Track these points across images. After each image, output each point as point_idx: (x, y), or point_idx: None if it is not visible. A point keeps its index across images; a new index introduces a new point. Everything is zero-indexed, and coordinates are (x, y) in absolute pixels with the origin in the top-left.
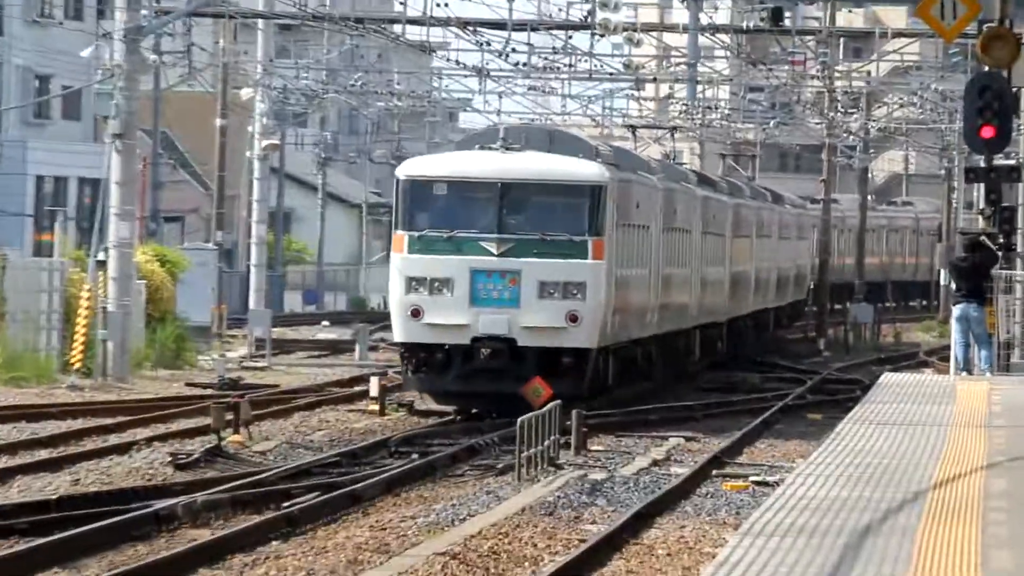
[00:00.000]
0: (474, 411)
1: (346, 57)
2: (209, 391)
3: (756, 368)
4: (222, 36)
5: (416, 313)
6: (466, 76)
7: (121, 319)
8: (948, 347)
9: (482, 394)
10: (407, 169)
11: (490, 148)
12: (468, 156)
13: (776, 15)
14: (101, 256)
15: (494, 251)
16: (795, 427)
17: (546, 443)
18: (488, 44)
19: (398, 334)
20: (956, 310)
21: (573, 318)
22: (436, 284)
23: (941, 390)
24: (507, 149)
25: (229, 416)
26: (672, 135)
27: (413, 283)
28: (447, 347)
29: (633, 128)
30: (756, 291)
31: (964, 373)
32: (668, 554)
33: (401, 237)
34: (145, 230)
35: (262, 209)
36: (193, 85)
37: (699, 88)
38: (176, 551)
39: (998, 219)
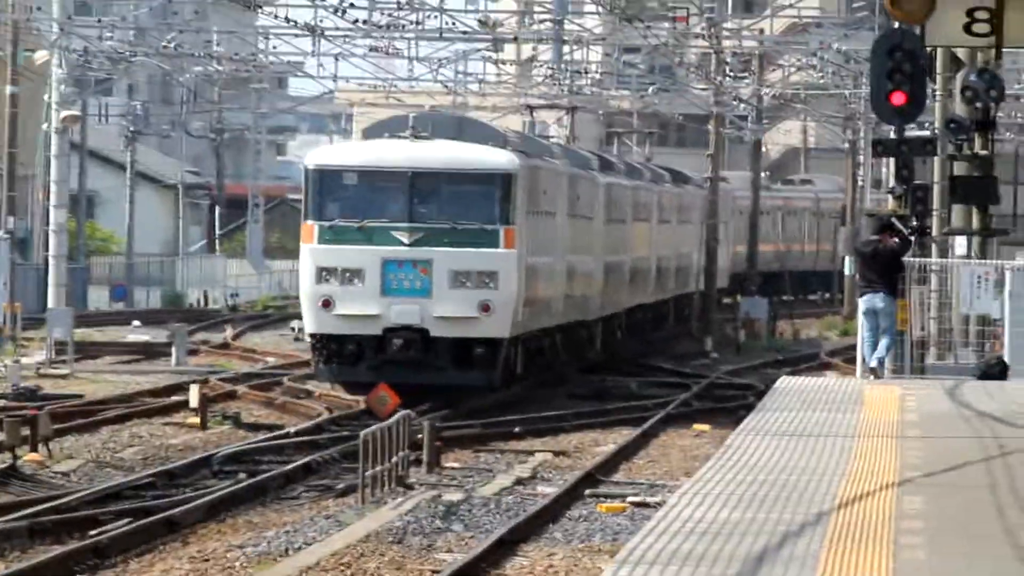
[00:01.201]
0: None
1: (157, 14)
2: (1, 403)
3: (634, 372)
4: None
5: (327, 304)
6: (297, 36)
7: None
8: (854, 346)
9: (394, 385)
10: (316, 158)
11: (399, 136)
12: (377, 145)
13: None
14: None
15: (405, 240)
16: (679, 440)
17: (394, 460)
18: None
19: (309, 325)
20: (862, 303)
21: (485, 308)
22: (347, 274)
23: (846, 395)
24: (416, 137)
25: (25, 431)
26: (572, 115)
27: (324, 273)
28: (358, 338)
29: (531, 108)
30: (657, 280)
31: (872, 376)
32: None
33: (311, 227)
34: None
35: (61, 191)
36: None
37: (566, 49)
38: None
39: (910, 199)
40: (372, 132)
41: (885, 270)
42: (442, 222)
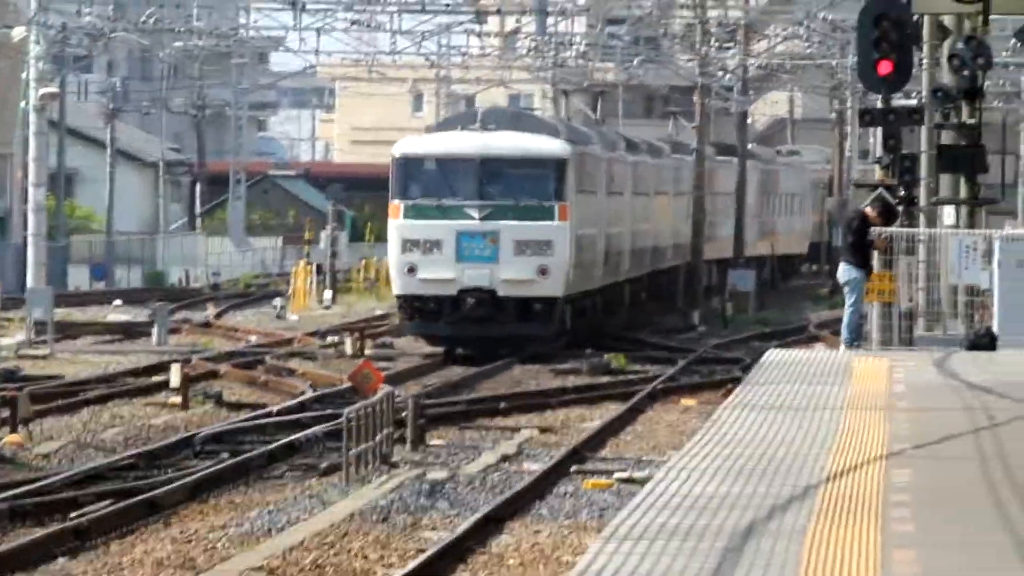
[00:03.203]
0: (459, 352)
1: None
2: None
3: (620, 346)
4: None
5: (411, 270)
6: (278, 9)
7: None
8: (841, 319)
9: (468, 337)
10: (401, 148)
11: (470, 128)
12: (452, 135)
13: None
14: None
15: (476, 216)
16: (666, 415)
17: (378, 438)
18: None
19: (396, 288)
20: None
21: (543, 271)
22: (428, 245)
23: (835, 368)
24: (485, 129)
25: (5, 413)
26: (599, 97)
27: (408, 244)
28: (438, 298)
29: (566, 92)
30: (675, 247)
31: (857, 346)
32: (521, 563)
33: (397, 206)
34: None
35: (40, 170)
36: None
37: (550, 21)
38: None
39: (898, 168)
40: (445, 124)
41: (850, 241)
42: (507, 200)
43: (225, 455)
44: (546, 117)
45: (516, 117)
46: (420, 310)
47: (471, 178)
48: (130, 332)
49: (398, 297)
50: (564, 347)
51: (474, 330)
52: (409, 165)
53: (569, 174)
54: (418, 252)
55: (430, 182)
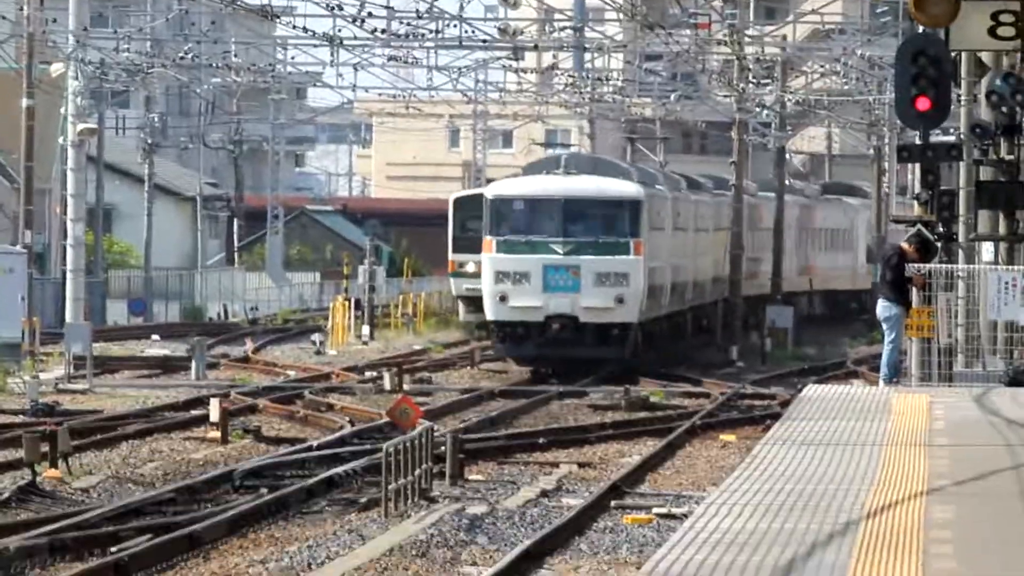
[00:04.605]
0: (543, 371)
1: (174, 25)
2: (21, 418)
3: (658, 381)
4: (27, 1)
5: (503, 298)
6: (315, 46)
7: None
8: (880, 355)
9: (552, 358)
10: (494, 189)
11: (554, 172)
12: (539, 179)
13: None
14: None
15: (560, 251)
16: (705, 451)
17: (417, 472)
18: (340, 8)
19: (489, 314)
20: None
21: (620, 300)
22: (518, 276)
23: (874, 404)
24: (568, 173)
25: (45, 447)
26: (663, 143)
27: (500, 275)
28: (526, 323)
29: (632, 139)
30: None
31: (896, 383)
32: None
33: (490, 241)
34: None
35: (78, 205)
36: None
37: (587, 57)
38: None
39: (936, 205)
40: (532, 169)
41: (888, 277)
42: (588, 237)
43: (264, 490)
44: (621, 162)
45: (595, 162)
46: (510, 334)
47: (556, 217)
48: (168, 367)
49: (491, 322)
50: (605, 380)
51: (557, 352)
52: (501, 206)
53: (643, 213)
54: (509, 283)
55: (519, 220)
